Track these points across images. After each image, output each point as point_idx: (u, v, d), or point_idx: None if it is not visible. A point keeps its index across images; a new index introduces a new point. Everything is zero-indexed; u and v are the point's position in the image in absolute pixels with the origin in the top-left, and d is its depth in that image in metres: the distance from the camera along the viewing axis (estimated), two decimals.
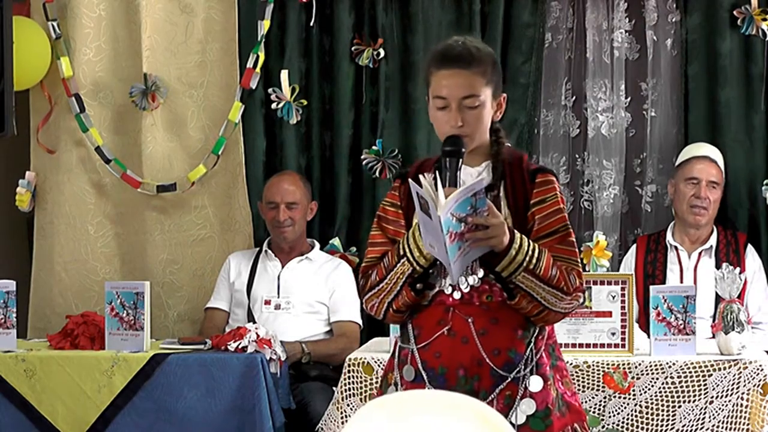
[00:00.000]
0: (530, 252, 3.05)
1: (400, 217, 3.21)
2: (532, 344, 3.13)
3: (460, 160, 3.09)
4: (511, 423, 3.05)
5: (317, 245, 5.32)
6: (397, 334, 3.28)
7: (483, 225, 3.00)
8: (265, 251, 5.27)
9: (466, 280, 3.10)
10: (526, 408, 3.08)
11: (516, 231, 3.07)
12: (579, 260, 3.16)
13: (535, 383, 3.10)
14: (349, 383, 4.35)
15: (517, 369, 3.10)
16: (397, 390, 3.15)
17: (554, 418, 3.10)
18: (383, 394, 3.19)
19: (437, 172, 3.06)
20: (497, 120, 3.22)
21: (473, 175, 3.15)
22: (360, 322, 5.15)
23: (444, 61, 3.16)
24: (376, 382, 4.34)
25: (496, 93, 3.19)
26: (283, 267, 5.23)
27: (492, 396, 3.08)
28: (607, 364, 4.31)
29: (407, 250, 3.10)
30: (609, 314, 4.40)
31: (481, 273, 3.10)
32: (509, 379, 3.09)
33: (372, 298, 3.18)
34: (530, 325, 3.14)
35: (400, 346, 3.21)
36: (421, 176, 3.01)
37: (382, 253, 3.18)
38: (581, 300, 3.20)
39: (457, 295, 3.12)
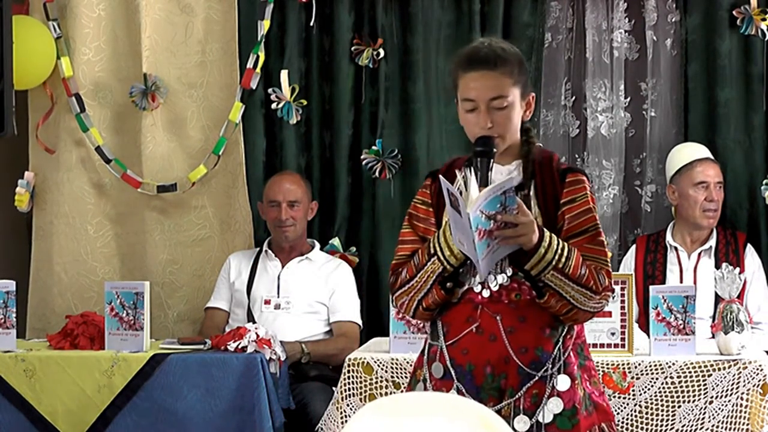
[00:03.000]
0: (559, 251, 3.06)
1: (430, 215, 3.23)
2: (560, 343, 3.13)
3: (491, 160, 3.10)
4: (538, 421, 3.08)
5: (317, 245, 5.32)
6: (426, 331, 3.30)
7: (512, 223, 3.01)
8: (266, 251, 5.27)
9: (495, 278, 3.12)
10: (553, 407, 3.09)
11: (545, 229, 3.07)
12: (608, 260, 3.16)
13: (563, 382, 3.11)
14: (348, 383, 4.35)
15: (545, 368, 3.11)
16: (425, 386, 3.18)
17: (581, 417, 3.10)
18: (412, 390, 3.22)
19: (467, 171, 3.08)
20: (527, 119, 3.23)
21: (503, 173, 3.16)
22: (359, 322, 5.15)
23: (470, 63, 3.17)
24: (376, 382, 4.34)
25: (524, 92, 3.20)
26: (283, 267, 5.23)
27: (519, 394, 3.09)
28: (607, 364, 4.31)
29: (438, 248, 3.11)
30: (609, 314, 4.40)
31: (510, 271, 3.11)
32: (536, 378, 3.10)
33: (402, 295, 3.19)
34: (559, 324, 3.14)
35: (429, 343, 3.22)
36: (457, 172, 3.05)
37: (412, 251, 3.20)
38: (610, 299, 3.22)
39: (486, 293, 3.13)
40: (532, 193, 3.14)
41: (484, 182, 3.06)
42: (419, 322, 4.27)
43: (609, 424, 3.19)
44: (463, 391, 3.11)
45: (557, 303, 3.09)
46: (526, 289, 3.13)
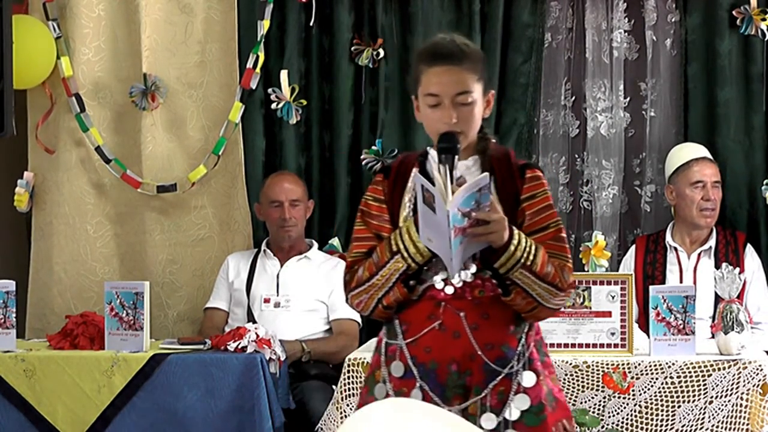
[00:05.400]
0: (527, 248, 3.06)
1: (383, 211, 3.20)
2: (523, 340, 3.13)
3: (456, 157, 3.08)
4: (505, 419, 3.06)
5: (315, 245, 5.32)
6: (382, 331, 3.25)
7: (484, 220, 3.00)
8: (264, 251, 5.27)
9: (459, 275, 3.09)
10: (520, 403, 3.08)
11: (514, 227, 3.06)
12: (570, 256, 3.16)
13: (528, 378, 3.10)
14: (348, 383, 4.35)
15: (510, 364, 3.10)
16: (386, 387, 3.14)
17: (547, 413, 3.09)
18: (370, 392, 3.19)
19: (444, 167, 3.04)
20: (486, 116, 3.21)
21: (461, 169, 3.14)
22: (359, 320, 5.15)
23: (436, 58, 3.14)
24: None
25: (485, 90, 3.19)
26: (282, 266, 5.23)
27: (485, 391, 3.07)
28: (607, 364, 4.31)
29: (401, 246, 3.09)
30: (609, 314, 4.40)
31: (474, 268, 3.09)
32: (502, 375, 3.09)
33: (360, 294, 3.16)
34: (521, 321, 3.14)
35: (386, 342, 3.18)
36: (434, 170, 3.02)
37: (369, 248, 3.17)
38: (571, 296, 3.21)
39: (449, 290, 3.11)
40: (492, 189, 3.10)
41: (450, 178, 3.04)
42: None
43: (569, 420, 3.18)
44: (427, 390, 3.09)
45: (522, 300, 3.09)
46: (490, 285, 3.11)
